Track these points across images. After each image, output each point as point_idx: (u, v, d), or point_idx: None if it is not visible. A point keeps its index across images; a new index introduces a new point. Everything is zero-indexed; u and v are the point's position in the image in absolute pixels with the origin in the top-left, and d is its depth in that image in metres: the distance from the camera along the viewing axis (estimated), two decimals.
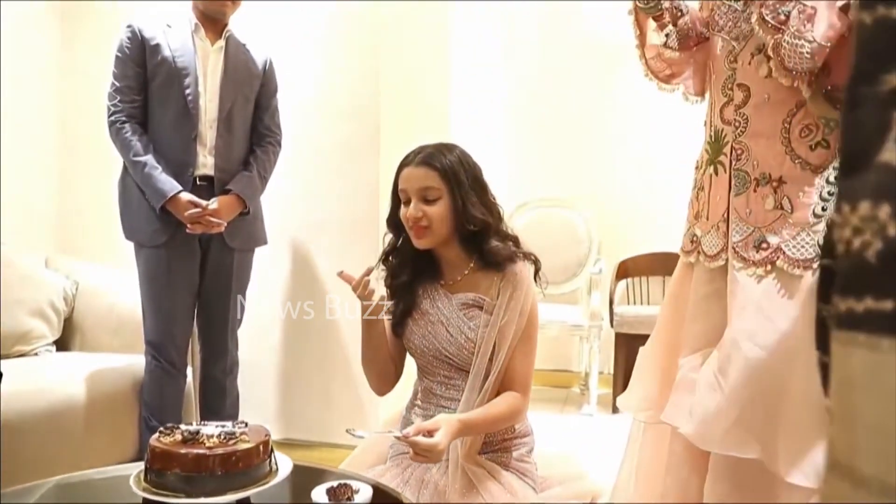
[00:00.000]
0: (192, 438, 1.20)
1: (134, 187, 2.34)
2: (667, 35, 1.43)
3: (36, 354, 2.68)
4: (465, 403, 1.60)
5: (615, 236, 4.09)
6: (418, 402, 1.71)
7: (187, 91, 2.32)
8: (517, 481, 1.60)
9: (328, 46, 3.02)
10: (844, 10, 1.13)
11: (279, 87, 2.59)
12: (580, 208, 4.10)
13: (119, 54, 2.34)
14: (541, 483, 1.67)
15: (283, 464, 1.29)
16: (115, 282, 2.87)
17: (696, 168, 1.46)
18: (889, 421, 0.38)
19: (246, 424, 1.29)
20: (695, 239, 1.41)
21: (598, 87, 4.14)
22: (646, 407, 1.48)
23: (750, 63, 1.28)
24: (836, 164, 1.20)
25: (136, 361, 2.52)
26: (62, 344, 2.81)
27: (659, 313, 1.54)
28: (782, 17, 1.16)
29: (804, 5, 1.13)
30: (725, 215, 1.32)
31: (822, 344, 0.53)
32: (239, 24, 2.48)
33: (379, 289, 1.67)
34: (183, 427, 1.25)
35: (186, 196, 2.28)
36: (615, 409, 3.59)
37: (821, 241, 1.19)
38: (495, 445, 1.65)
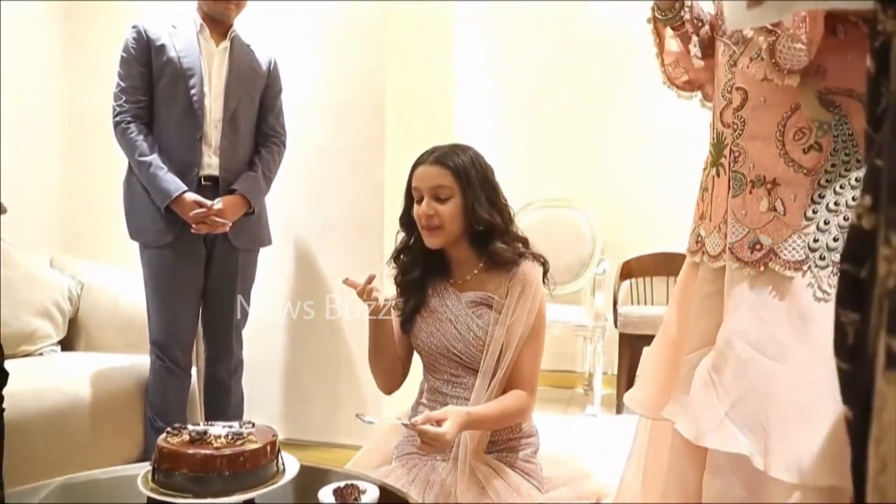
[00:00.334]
0: (200, 439, 1.21)
1: (139, 187, 2.34)
2: (694, 45, 1.44)
3: (41, 354, 2.68)
4: (473, 402, 1.61)
5: (619, 236, 4.08)
6: (424, 401, 1.72)
7: (192, 91, 2.32)
8: (523, 481, 1.60)
9: (333, 47, 3.03)
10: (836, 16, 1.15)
11: (284, 87, 2.60)
12: (584, 208, 4.10)
13: (124, 55, 2.34)
14: (546, 483, 1.68)
15: (290, 464, 1.30)
16: (119, 282, 2.88)
17: (703, 169, 1.47)
18: None
19: (253, 425, 1.30)
20: (699, 239, 1.42)
21: (603, 87, 4.14)
22: (651, 404, 1.48)
23: (748, 67, 1.29)
24: (827, 167, 1.20)
25: (140, 361, 2.52)
26: (67, 344, 2.82)
27: (665, 312, 1.55)
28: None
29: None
30: (725, 217, 1.33)
31: (840, 351, 0.53)
32: (244, 24, 2.48)
33: (385, 289, 1.68)
34: (191, 427, 1.25)
35: (191, 196, 2.29)
36: (619, 410, 3.59)
37: (811, 244, 1.20)
38: (501, 445, 1.65)
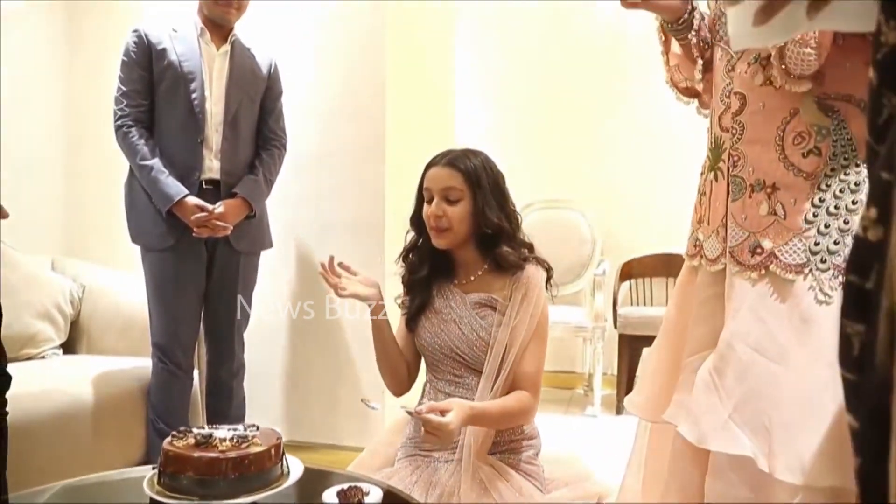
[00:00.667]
0: (206, 442, 1.22)
1: (140, 191, 2.35)
2: (698, 71, 1.44)
3: (43, 357, 2.69)
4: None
5: (619, 237, 4.10)
6: (427, 401, 1.72)
7: (193, 95, 2.33)
8: (525, 482, 1.61)
9: (332, 49, 3.03)
10: None
11: (284, 89, 2.61)
12: (584, 209, 4.11)
13: (125, 59, 2.35)
14: (547, 484, 1.69)
15: (295, 467, 1.31)
16: (121, 284, 2.88)
17: (701, 174, 1.47)
18: None
19: (257, 428, 1.31)
20: (697, 243, 1.43)
21: (603, 88, 4.15)
22: (651, 407, 1.49)
23: (746, 72, 1.29)
24: (827, 171, 1.21)
25: (142, 364, 2.53)
26: (69, 347, 2.82)
27: (664, 315, 1.56)
28: None
29: None
30: (724, 220, 1.34)
31: (846, 361, 0.54)
32: (244, 27, 2.49)
33: (388, 287, 1.71)
34: (196, 431, 1.26)
35: (193, 200, 2.30)
36: (619, 410, 3.60)
37: (812, 247, 1.21)
38: (503, 447, 1.67)
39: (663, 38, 1.50)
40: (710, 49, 1.43)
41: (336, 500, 1.26)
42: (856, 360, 0.53)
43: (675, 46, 1.49)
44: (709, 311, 1.36)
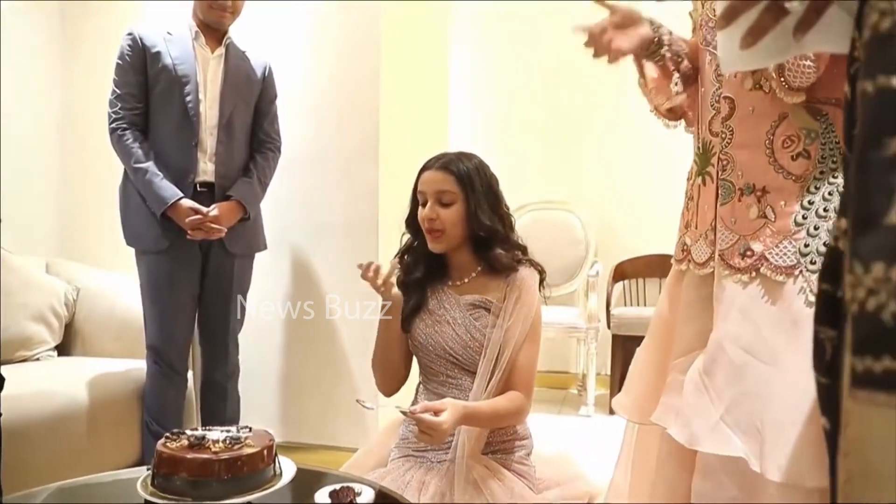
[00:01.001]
0: (199, 443, 1.23)
1: (135, 193, 2.36)
2: (675, 83, 1.45)
3: (37, 359, 2.69)
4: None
5: (612, 239, 4.11)
6: (420, 402, 1.73)
7: (188, 98, 2.34)
8: (517, 482, 1.62)
9: (327, 52, 3.04)
10: None
11: (278, 92, 2.62)
12: (577, 211, 4.12)
13: (120, 62, 2.36)
14: (539, 484, 1.70)
15: (287, 468, 1.31)
16: (116, 287, 2.89)
17: (688, 179, 1.48)
18: None
19: (250, 429, 1.32)
20: (685, 248, 1.44)
21: (597, 90, 4.16)
22: (639, 409, 1.50)
23: (735, 76, 1.30)
24: (816, 174, 1.23)
25: (137, 366, 2.53)
26: (63, 349, 2.83)
27: (652, 318, 1.57)
28: None
29: None
30: (713, 224, 1.35)
31: (819, 365, 0.56)
32: (238, 29, 2.50)
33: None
34: (189, 432, 1.27)
35: (187, 203, 2.30)
36: (612, 411, 3.61)
37: (802, 249, 1.22)
38: (495, 447, 1.68)
39: (638, 66, 1.51)
40: (684, 60, 1.44)
41: (328, 501, 1.27)
42: (828, 364, 0.55)
43: (650, 70, 1.50)
44: (695, 314, 1.37)
